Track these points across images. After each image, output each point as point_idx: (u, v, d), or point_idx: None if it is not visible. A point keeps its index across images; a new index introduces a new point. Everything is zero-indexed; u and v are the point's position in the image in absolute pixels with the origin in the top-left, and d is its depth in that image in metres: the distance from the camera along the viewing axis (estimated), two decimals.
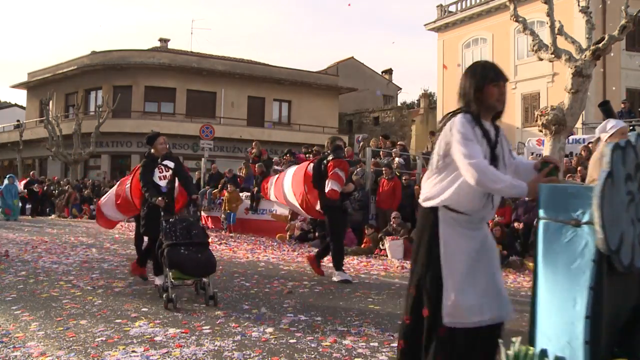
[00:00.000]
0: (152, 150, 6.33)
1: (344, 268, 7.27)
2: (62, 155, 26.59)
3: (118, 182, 8.23)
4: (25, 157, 32.71)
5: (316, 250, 8.30)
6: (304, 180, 7.54)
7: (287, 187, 8.09)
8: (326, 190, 6.96)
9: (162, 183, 6.20)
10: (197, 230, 5.73)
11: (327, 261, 7.59)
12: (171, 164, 6.27)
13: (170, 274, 5.35)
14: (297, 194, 7.75)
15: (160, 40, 34.31)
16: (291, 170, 8.33)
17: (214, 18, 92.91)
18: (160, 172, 6.22)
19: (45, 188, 22.65)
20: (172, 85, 29.50)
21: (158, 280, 6.14)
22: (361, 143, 15.69)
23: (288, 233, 12.67)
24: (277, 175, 8.66)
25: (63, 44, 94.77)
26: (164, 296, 5.30)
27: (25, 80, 34.14)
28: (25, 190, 20.90)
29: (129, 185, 7.20)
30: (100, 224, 8.80)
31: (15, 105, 43.83)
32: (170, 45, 33.98)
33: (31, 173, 23.16)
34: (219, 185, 15.92)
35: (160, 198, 5.91)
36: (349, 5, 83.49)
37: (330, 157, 7.15)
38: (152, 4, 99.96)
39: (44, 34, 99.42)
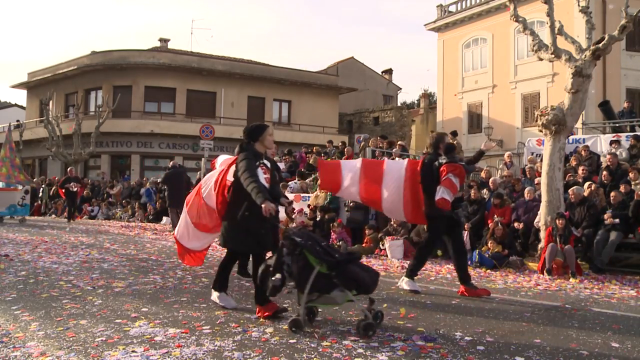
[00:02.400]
0: (256, 145, 5.10)
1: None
2: (62, 155, 26.59)
3: (185, 204, 6.03)
4: (25, 157, 32.71)
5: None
6: (412, 182, 6.51)
7: (388, 186, 6.77)
8: (436, 198, 6.05)
9: (266, 185, 4.96)
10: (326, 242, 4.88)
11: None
12: (268, 164, 5.14)
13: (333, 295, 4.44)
14: (400, 195, 6.65)
15: (160, 40, 34.33)
16: (392, 168, 6.99)
17: (214, 18, 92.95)
18: (264, 172, 5.00)
19: (87, 188, 21.61)
20: (172, 85, 29.51)
21: (220, 301, 5.22)
22: (362, 143, 15.66)
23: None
24: (357, 169, 7.12)
25: (63, 44, 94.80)
26: (300, 318, 4.42)
27: (25, 80, 34.15)
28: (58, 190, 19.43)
29: (206, 190, 5.57)
30: (187, 263, 6.35)
31: (15, 105, 43.83)
32: (170, 45, 34.01)
33: (69, 169, 19.83)
34: None
35: (272, 204, 4.61)
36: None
37: (443, 160, 6.22)
38: (152, 4, 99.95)
39: (44, 34, 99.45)
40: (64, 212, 21.19)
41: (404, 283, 6.45)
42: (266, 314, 4.83)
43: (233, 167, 5.11)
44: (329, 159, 14.69)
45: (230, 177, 5.15)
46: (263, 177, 4.91)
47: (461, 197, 7.19)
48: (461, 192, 7.29)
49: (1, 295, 5.68)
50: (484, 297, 6.19)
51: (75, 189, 17.78)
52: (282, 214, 6.92)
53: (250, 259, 5.34)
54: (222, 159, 6.33)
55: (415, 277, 6.57)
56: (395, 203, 6.74)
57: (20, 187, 17.34)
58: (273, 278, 4.43)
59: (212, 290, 5.29)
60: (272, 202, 4.64)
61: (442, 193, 6.00)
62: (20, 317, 4.76)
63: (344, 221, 11.40)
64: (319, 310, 4.79)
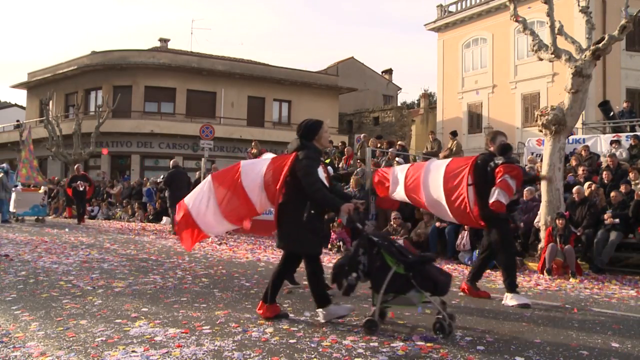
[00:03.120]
0: (315, 142, 4.79)
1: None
2: (62, 155, 26.59)
3: (210, 180, 5.50)
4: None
5: (469, 273, 6.48)
6: (465, 183, 6.07)
7: (434, 187, 6.37)
8: (490, 201, 5.69)
9: (327, 184, 4.76)
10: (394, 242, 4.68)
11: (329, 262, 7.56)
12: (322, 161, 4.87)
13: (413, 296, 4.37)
14: (452, 197, 6.16)
15: (160, 40, 34.33)
16: (438, 166, 6.55)
17: (214, 18, 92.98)
18: (323, 171, 4.79)
19: (97, 186, 20.70)
20: (172, 85, 29.52)
21: (324, 316, 4.74)
22: (360, 142, 15.69)
23: None
24: (404, 170, 6.88)
25: (63, 44, 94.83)
26: (373, 318, 4.39)
27: (25, 80, 34.15)
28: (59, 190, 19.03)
29: (251, 182, 5.25)
30: (181, 239, 5.74)
31: (15, 105, 43.83)
32: (170, 45, 34.01)
33: (76, 167, 18.49)
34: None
35: (345, 205, 4.49)
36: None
37: (499, 160, 5.84)
38: (152, 4, 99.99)
39: (44, 34, 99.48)
40: (64, 211, 21.21)
41: (509, 299, 5.82)
42: (267, 314, 4.78)
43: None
44: (327, 160, 14.70)
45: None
46: (323, 176, 4.72)
47: (517, 199, 6.75)
48: (517, 194, 6.67)
49: (1, 295, 5.68)
50: (483, 298, 6.18)
51: (82, 188, 16.54)
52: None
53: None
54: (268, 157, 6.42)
55: (518, 289, 5.99)
56: (438, 204, 6.38)
57: (41, 188, 17.82)
58: (349, 277, 4.38)
59: (319, 310, 4.75)
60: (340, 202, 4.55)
61: (497, 195, 5.64)
62: (20, 317, 4.76)
63: (343, 221, 11.40)
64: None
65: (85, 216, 20.39)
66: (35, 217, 16.85)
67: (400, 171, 6.96)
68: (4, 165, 18.00)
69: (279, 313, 4.83)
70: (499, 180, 5.69)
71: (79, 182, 16.56)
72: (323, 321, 4.70)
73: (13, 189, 16.90)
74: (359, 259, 4.38)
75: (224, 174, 5.55)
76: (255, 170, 5.29)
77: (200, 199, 5.43)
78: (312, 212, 4.61)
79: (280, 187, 4.82)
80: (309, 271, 4.79)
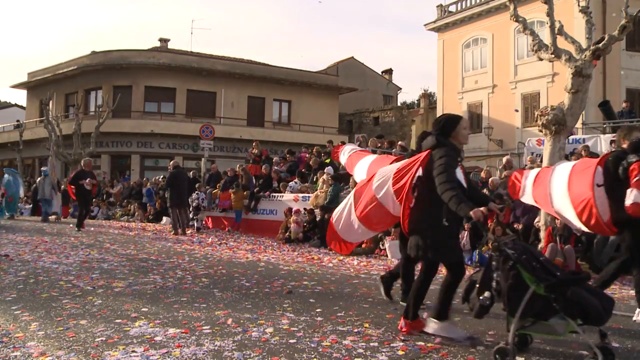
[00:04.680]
0: (452, 139, 4.38)
1: None
2: (62, 155, 26.59)
3: (353, 190, 5.48)
4: (25, 157, 32.71)
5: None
6: (591, 185, 5.36)
7: (558, 189, 5.71)
8: (626, 204, 5.02)
9: (465, 186, 4.34)
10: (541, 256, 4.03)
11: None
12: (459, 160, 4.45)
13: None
14: (577, 200, 5.43)
15: (160, 40, 34.32)
16: (564, 168, 5.92)
17: (214, 18, 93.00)
18: (462, 171, 4.36)
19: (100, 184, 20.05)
20: (172, 85, 29.52)
21: (434, 329, 4.29)
22: (359, 142, 15.68)
23: (286, 233, 12.66)
24: (535, 172, 6.31)
25: (63, 44, 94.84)
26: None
27: (25, 80, 34.15)
28: (61, 187, 18.40)
29: (381, 189, 4.98)
30: (334, 248, 5.91)
31: (15, 105, 43.83)
32: (170, 45, 34.01)
33: (86, 162, 15.18)
34: (218, 185, 15.99)
35: (481, 209, 3.95)
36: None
37: (633, 159, 5.16)
38: (152, 4, 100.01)
39: (44, 34, 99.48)
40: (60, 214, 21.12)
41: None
42: (411, 330, 4.39)
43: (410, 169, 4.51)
44: (327, 160, 14.69)
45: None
46: (462, 177, 4.30)
47: None
48: None
49: (1, 295, 5.69)
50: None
51: (89, 187, 14.24)
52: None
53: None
54: (350, 149, 6.48)
55: None
56: (565, 209, 5.63)
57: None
58: (481, 297, 3.76)
59: (431, 320, 4.35)
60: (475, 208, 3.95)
61: (634, 197, 4.95)
62: (20, 317, 4.76)
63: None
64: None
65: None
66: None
67: (532, 174, 6.35)
68: (46, 168, 19.11)
69: (423, 328, 4.37)
70: (635, 180, 5.03)
71: (88, 179, 14.25)
72: (429, 331, 4.30)
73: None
74: (492, 274, 3.75)
75: (359, 188, 5.35)
76: (388, 171, 5.00)
77: (343, 212, 5.39)
78: (450, 216, 4.18)
79: (408, 190, 4.45)
80: (450, 280, 4.34)
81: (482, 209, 3.94)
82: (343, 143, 17.36)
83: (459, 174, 4.27)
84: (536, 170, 6.58)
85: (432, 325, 4.30)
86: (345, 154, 7.40)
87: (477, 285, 3.83)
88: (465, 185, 4.31)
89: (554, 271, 3.71)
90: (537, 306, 3.59)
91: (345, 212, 5.36)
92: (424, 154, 4.42)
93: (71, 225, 14.68)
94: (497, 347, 3.73)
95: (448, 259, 4.32)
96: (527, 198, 6.29)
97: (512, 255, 3.68)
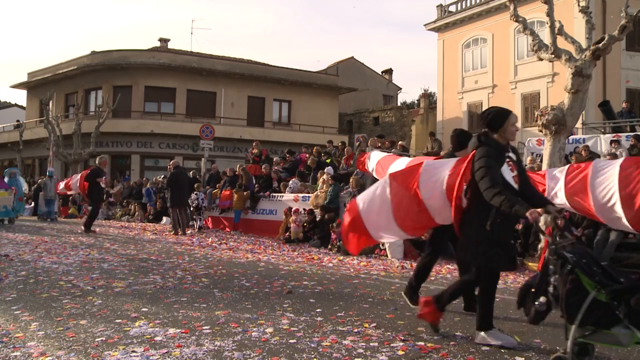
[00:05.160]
0: (496, 136, 4.18)
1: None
2: (62, 155, 26.60)
3: (387, 180, 4.91)
4: (25, 157, 32.73)
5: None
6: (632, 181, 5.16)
7: (607, 189, 5.47)
8: None
9: (515, 186, 4.07)
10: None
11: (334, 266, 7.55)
12: (514, 156, 4.21)
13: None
14: (632, 201, 5.22)
15: (160, 40, 34.32)
16: (609, 165, 5.69)
17: (214, 18, 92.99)
18: (510, 169, 4.09)
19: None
20: (172, 85, 29.52)
21: (492, 339, 4.11)
22: (359, 142, 15.69)
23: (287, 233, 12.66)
24: (564, 170, 6.13)
25: (63, 44, 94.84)
26: None
27: (25, 80, 34.16)
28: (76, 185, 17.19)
29: (430, 187, 4.59)
30: (348, 243, 5.23)
31: (15, 105, 43.83)
32: (170, 45, 34.01)
33: (102, 160, 14.70)
34: (219, 185, 15.99)
35: (538, 209, 3.78)
36: (354, 7, 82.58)
37: None
38: (152, 4, 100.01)
39: (44, 34, 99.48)
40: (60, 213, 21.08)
41: None
42: (427, 314, 4.33)
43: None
44: (328, 160, 14.68)
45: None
46: (510, 175, 4.03)
47: None
48: None
49: (1, 295, 5.68)
50: None
51: (105, 186, 14.02)
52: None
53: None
54: (376, 154, 6.22)
55: None
56: (611, 210, 5.36)
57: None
58: (537, 302, 3.57)
59: (478, 332, 4.19)
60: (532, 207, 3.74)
61: None
62: (20, 317, 4.76)
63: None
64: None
65: (85, 216, 20.38)
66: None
67: (559, 172, 6.16)
68: (52, 169, 19.62)
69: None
70: None
71: (104, 177, 13.97)
72: (477, 342, 4.16)
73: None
74: (549, 279, 3.52)
75: (404, 175, 4.84)
76: (437, 172, 4.60)
77: (372, 199, 4.83)
78: (498, 220, 3.97)
79: (457, 192, 4.22)
80: (483, 287, 4.20)
81: (538, 210, 3.76)
82: (343, 143, 17.34)
83: (506, 172, 4.01)
84: (562, 168, 6.11)
85: (480, 337, 4.19)
86: (372, 160, 7.19)
87: (533, 290, 3.64)
88: (515, 184, 4.05)
89: (617, 277, 3.47)
90: (598, 314, 3.35)
91: (378, 204, 4.78)
92: (470, 154, 4.25)
93: (71, 225, 14.68)
94: (555, 356, 3.59)
95: (486, 265, 4.13)
96: (558, 200, 5.92)
97: (570, 259, 3.49)
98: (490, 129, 4.17)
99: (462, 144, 5.28)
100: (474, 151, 4.19)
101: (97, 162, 14.98)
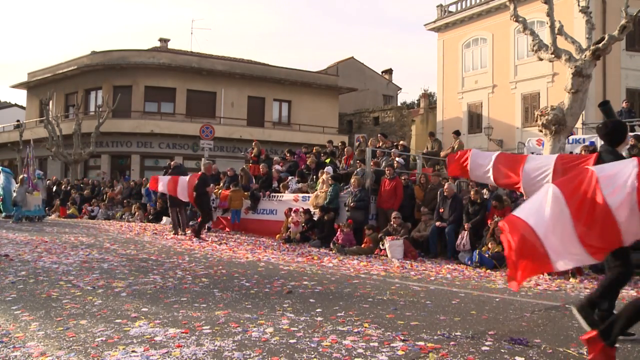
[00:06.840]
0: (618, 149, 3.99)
1: None
2: (62, 155, 26.60)
3: (555, 191, 3.76)
4: (26, 157, 32.68)
5: None
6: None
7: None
8: None
9: None
10: None
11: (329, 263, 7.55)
12: None
13: None
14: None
15: (160, 40, 34.31)
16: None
17: (214, 18, 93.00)
18: None
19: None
20: (172, 85, 29.52)
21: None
22: (359, 142, 15.68)
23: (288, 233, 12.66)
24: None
25: (63, 44, 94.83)
26: None
27: (25, 80, 34.15)
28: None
29: (618, 195, 3.63)
30: (521, 271, 3.72)
31: (15, 105, 43.83)
32: (170, 45, 34.00)
33: (203, 165, 14.53)
34: (219, 185, 15.96)
35: None
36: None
37: None
38: (152, 4, 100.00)
39: (44, 34, 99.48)
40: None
41: None
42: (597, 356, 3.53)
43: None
44: (328, 160, 14.67)
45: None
46: None
47: None
48: None
49: (1, 295, 5.68)
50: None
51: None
52: None
53: None
54: (477, 155, 5.92)
55: None
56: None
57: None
58: None
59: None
60: None
61: None
62: (20, 317, 4.75)
63: (343, 221, 11.37)
64: None
65: (85, 216, 20.37)
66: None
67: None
68: (40, 171, 19.11)
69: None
70: None
71: (212, 185, 13.61)
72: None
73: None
74: None
75: (571, 181, 3.89)
76: (619, 176, 3.75)
77: (544, 214, 3.72)
78: None
79: None
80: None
81: None
82: (343, 143, 17.30)
83: None
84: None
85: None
86: (481, 161, 6.62)
87: None
88: None
89: None
90: None
91: (558, 220, 3.70)
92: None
93: (55, 227, 14.64)
94: None
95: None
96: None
97: None
98: (611, 144, 4.27)
99: (621, 135, 4.48)
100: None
101: (202, 168, 14.29)
